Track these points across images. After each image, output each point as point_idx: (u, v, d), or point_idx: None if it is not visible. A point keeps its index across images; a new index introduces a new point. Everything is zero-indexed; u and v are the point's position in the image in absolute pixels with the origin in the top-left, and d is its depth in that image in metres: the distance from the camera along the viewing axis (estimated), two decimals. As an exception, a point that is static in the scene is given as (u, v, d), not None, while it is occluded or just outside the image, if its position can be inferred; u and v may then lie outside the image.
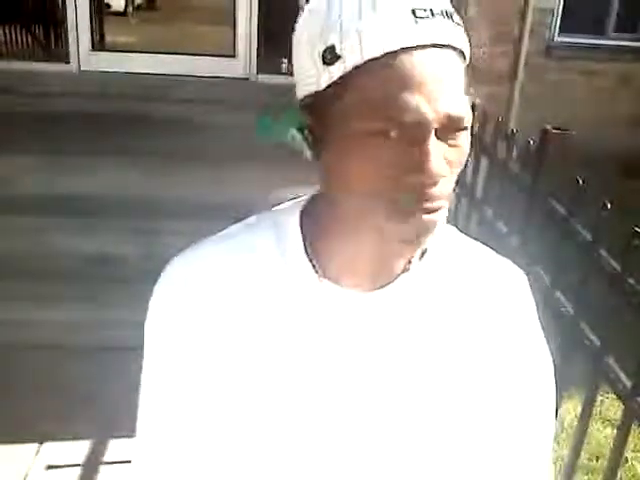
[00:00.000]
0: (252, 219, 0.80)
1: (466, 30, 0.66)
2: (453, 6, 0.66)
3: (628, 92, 6.11)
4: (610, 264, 1.55)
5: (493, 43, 5.23)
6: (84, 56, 4.59)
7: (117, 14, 6.68)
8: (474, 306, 0.78)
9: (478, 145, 2.44)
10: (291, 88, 0.71)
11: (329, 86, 0.64)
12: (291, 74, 0.70)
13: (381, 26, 0.61)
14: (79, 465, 2.32)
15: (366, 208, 0.65)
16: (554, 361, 0.84)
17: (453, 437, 0.77)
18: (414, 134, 0.61)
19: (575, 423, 1.71)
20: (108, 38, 5.11)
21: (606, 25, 6.32)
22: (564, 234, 1.77)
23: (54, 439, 2.40)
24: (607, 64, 6.08)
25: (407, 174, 0.62)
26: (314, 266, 0.74)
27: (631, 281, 1.46)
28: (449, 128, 0.63)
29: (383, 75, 0.61)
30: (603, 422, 2.70)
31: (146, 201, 3.29)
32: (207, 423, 0.76)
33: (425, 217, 0.64)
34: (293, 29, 0.69)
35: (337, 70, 0.63)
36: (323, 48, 0.63)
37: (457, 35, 0.64)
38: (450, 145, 0.64)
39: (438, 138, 0.62)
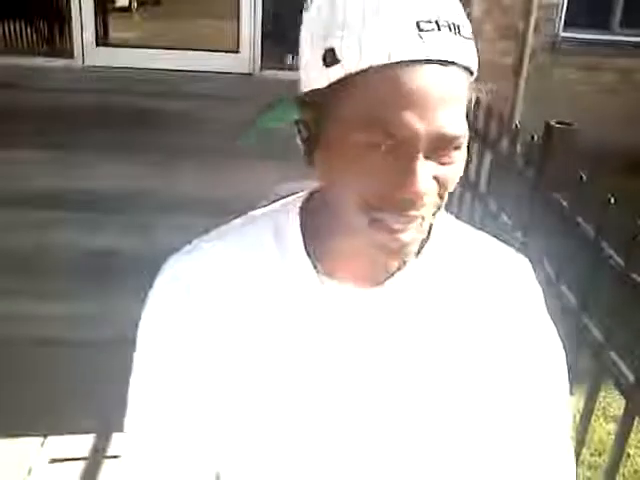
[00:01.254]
0: (251, 215, 0.79)
1: (474, 28, 0.64)
2: (461, 2, 0.64)
3: (633, 87, 6.09)
4: (614, 259, 1.55)
5: (498, 39, 5.22)
6: (88, 51, 4.60)
7: (121, 9, 6.67)
8: (478, 296, 0.77)
9: (482, 140, 2.43)
10: (295, 83, 0.70)
11: (328, 86, 0.63)
12: (297, 68, 0.70)
13: (383, 36, 0.59)
14: (82, 459, 2.33)
15: (351, 214, 0.65)
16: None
17: (461, 432, 0.76)
18: (403, 150, 0.60)
19: (578, 418, 1.71)
20: (112, 33, 5.11)
21: (611, 20, 6.28)
22: (568, 229, 1.76)
23: (57, 433, 2.41)
24: (612, 59, 6.05)
25: (393, 189, 0.61)
26: (313, 263, 0.73)
27: (634, 276, 1.46)
28: (443, 147, 0.62)
29: (379, 86, 0.60)
30: (606, 418, 2.70)
31: (149, 196, 3.30)
32: (203, 421, 0.75)
33: (409, 233, 0.64)
34: (297, 25, 0.68)
35: (335, 74, 0.62)
36: (324, 49, 0.62)
37: (464, 51, 0.62)
38: (442, 163, 0.63)
39: (428, 157, 0.61)
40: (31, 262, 3.10)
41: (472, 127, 2.57)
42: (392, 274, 0.74)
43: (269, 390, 0.73)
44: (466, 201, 2.52)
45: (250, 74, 4.68)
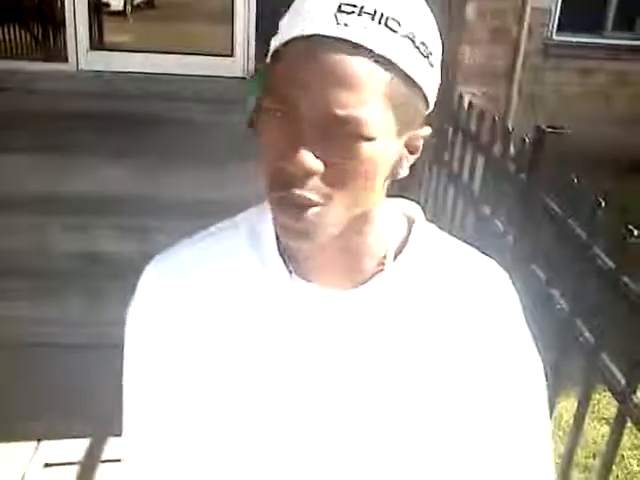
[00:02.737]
0: (229, 220, 0.81)
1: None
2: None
3: (626, 91, 6.11)
4: (605, 262, 1.56)
5: (491, 42, 5.24)
6: (82, 55, 4.59)
7: (115, 13, 6.67)
8: (453, 305, 0.76)
9: (475, 143, 2.44)
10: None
11: (270, 60, 0.66)
12: None
13: (306, 13, 0.62)
14: (76, 463, 2.32)
15: (265, 192, 0.66)
16: (549, 358, 0.83)
17: (431, 438, 0.75)
18: (293, 121, 0.61)
19: (571, 421, 1.72)
20: (106, 37, 5.10)
21: (604, 24, 6.32)
22: (560, 232, 1.77)
23: (51, 437, 2.41)
24: (605, 62, 6.08)
25: (281, 159, 0.62)
26: (286, 265, 0.74)
27: (626, 279, 1.46)
28: (338, 130, 0.60)
29: (289, 58, 0.62)
30: (599, 420, 2.71)
31: (144, 200, 3.30)
32: (186, 421, 0.77)
33: (302, 212, 0.63)
34: None
35: (272, 46, 0.66)
36: (278, 27, 0.66)
37: (385, 42, 0.60)
38: (339, 149, 0.61)
39: (321, 139, 0.60)
40: (24, 265, 3.10)
41: (465, 130, 2.58)
42: (368, 278, 0.74)
43: (246, 392, 0.74)
44: (459, 204, 2.53)
45: (244, 78, 4.68)
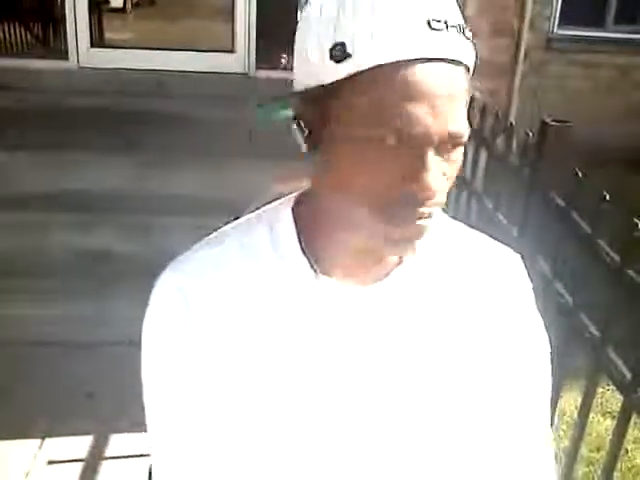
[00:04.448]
0: (245, 219, 0.80)
1: (468, 25, 0.65)
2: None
3: (628, 84, 6.09)
4: (610, 255, 1.55)
5: (493, 36, 5.22)
6: (83, 53, 4.58)
7: (116, 10, 6.66)
8: (471, 294, 0.78)
9: (478, 138, 2.43)
10: (291, 83, 0.70)
11: (334, 82, 0.63)
12: (291, 69, 0.70)
13: (395, 32, 0.60)
14: (80, 460, 2.32)
15: (357, 209, 0.65)
16: (554, 351, 0.84)
17: (455, 427, 0.78)
18: (416, 146, 0.61)
19: (575, 415, 1.71)
20: (107, 34, 5.10)
21: (606, 17, 6.29)
22: (564, 226, 1.76)
23: (55, 435, 2.41)
24: (607, 56, 6.06)
25: (405, 184, 0.62)
26: (310, 262, 0.73)
27: (630, 273, 1.46)
28: (449, 144, 0.63)
29: (393, 82, 0.60)
30: (604, 414, 2.71)
31: (145, 197, 3.29)
32: (211, 423, 0.76)
33: (418, 222, 0.65)
34: (292, 24, 0.68)
35: (345, 69, 0.62)
36: (332, 43, 0.62)
37: (467, 51, 0.64)
38: (447, 159, 0.64)
39: (437, 153, 0.63)
40: (28, 263, 3.10)
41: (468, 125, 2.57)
42: (388, 272, 0.75)
43: (271, 389, 0.74)
44: (462, 199, 2.52)
45: (246, 74, 4.67)
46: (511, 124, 2.21)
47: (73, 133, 3.61)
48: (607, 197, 1.55)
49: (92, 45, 4.63)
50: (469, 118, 0.67)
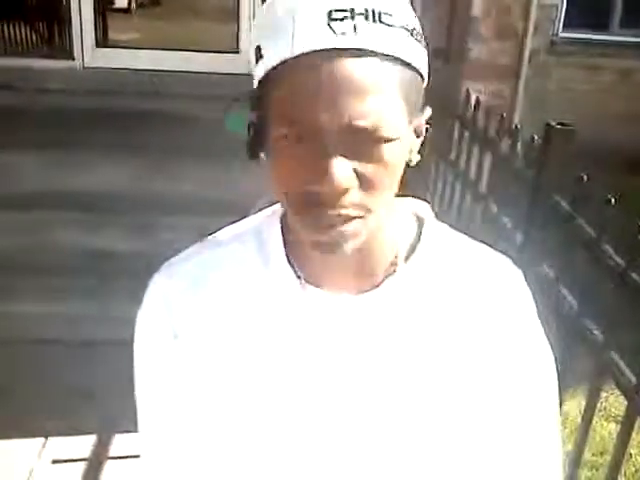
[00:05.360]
0: (234, 227, 0.80)
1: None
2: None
3: (632, 88, 6.09)
4: (614, 260, 1.55)
5: (497, 39, 5.21)
6: (88, 53, 4.59)
7: (120, 11, 6.68)
8: (466, 305, 0.75)
9: (482, 141, 2.43)
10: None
11: (258, 83, 0.64)
12: None
13: (295, 27, 0.59)
14: (84, 460, 2.33)
15: (289, 214, 0.65)
16: (557, 356, 0.83)
17: (445, 442, 0.75)
18: (314, 143, 0.59)
19: (579, 419, 1.71)
20: (112, 35, 5.11)
21: (610, 21, 6.29)
22: (568, 230, 1.76)
23: (59, 434, 2.41)
24: (611, 59, 6.06)
25: (309, 184, 0.60)
26: (296, 272, 0.73)
27: (635, 277, 1.45)
28: (360, 140, 0.59)
29: (293, 77, 0.59)
30: (607, 418, 2.70)
31: (148, 197, 3.30)
32: (201, 427, 0.77)
33: (340, 228, 0.62)
34: None
35: (260, 71, 0.63)
36: (255, 46, 0.63)
37: (386, 39, 0.59)
38: (361, 156, 0.60)
39: (346, 151, 0.59)
40: (30, 262, 3.10)
41: (472, 127, 2.57)
42: (379, 282, 0.73)
43: (258, 398, 0.74)
44: (466, 202, 2.52)
45: (250, 74, 4.68)
46: (516, 127, 2.21)
47: (78, 133, 3.62)
48: (612, 201, 1.55)
49: (97, 45, 4.65)
50: (420, 110, 0.65)
